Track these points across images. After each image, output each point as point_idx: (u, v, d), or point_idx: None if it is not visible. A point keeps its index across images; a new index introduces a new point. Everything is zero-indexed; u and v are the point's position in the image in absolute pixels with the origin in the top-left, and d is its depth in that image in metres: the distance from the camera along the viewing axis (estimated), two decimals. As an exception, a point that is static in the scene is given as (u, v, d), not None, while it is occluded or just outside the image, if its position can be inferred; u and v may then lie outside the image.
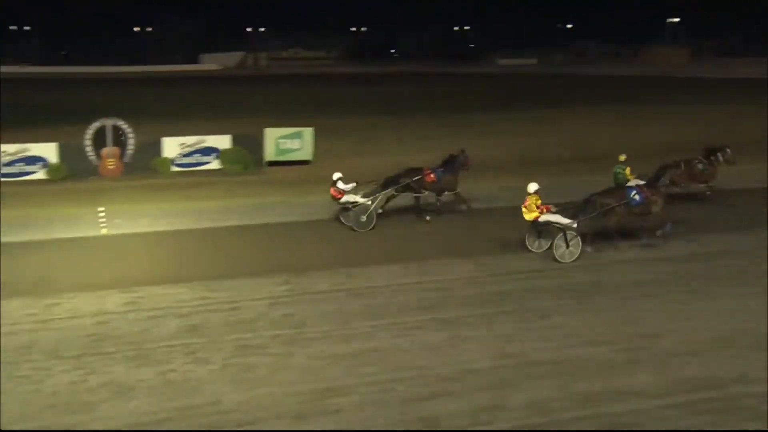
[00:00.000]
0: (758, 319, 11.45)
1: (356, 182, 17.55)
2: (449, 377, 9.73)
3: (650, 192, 15.55)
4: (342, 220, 17.48)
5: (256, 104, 49.14)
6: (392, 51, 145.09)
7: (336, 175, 17.37)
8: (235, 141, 24.95)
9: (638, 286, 13.08)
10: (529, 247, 15.17)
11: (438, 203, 18.34)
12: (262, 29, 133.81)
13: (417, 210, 18.27)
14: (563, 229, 14.62)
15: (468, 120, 39.16)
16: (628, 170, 17.71)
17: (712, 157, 19.40)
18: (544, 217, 14.75)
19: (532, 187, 14.86)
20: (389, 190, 17.64)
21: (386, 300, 12.56)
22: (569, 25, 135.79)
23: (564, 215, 14.84)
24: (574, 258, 14.53)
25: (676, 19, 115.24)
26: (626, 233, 15.61)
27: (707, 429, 8.44)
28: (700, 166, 19.14)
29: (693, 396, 9.14)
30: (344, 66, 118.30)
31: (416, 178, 17.81)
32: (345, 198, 17.26)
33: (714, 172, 19.42)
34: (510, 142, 30.59)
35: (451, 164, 18.27)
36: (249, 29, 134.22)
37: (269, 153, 25.48)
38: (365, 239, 16.52)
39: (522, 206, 14.99)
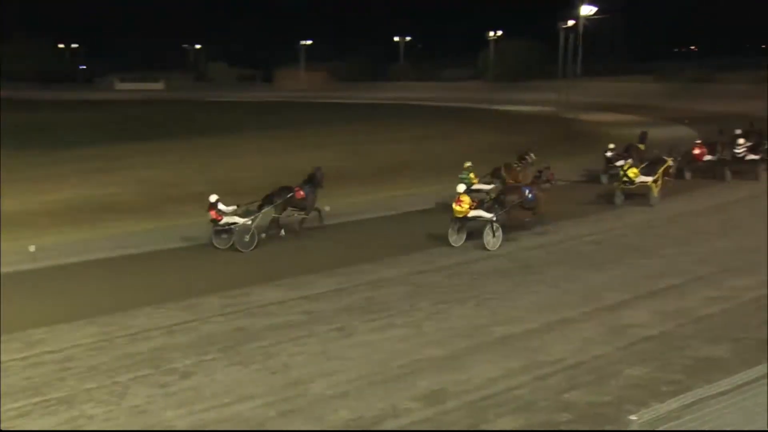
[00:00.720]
0: (400, 350, 12.51)
1: (237, 205, 19.19)
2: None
3: (537, 190, 20.02)
4: (215, 243, 18.71)
5: None
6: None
7: (213, 197, 18.67)
8: None
9: (285, 330, 13.45)
10: (451, 242, 18.55)
11: (299, 220, 20.27)
12: None
13: (276, 227, 20.03)
14: (489, 221, 18.39)
15: (87, 153, 37.43)
16: (472, 175, 22.26)
17: (522, 161, 24.68)
18: (473, 212, 18.61)
19: (462, 187, 19.24)
20: (267, 209, 19.48)
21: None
22: (198, 46, 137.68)
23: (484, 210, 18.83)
24: (498, 246, 18.29)
25: (309, 41, 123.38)
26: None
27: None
28: (518, 168, 23.99)
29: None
30: None
31: (288, 195, 19.77)
32: (225, 219, 18.67)
33: (528, 173, 23.58)
34: (137, 177, 29.82)
35: (312, 182, 20.57)
36: None
37: None
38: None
39: (454, 204, 18.63)
